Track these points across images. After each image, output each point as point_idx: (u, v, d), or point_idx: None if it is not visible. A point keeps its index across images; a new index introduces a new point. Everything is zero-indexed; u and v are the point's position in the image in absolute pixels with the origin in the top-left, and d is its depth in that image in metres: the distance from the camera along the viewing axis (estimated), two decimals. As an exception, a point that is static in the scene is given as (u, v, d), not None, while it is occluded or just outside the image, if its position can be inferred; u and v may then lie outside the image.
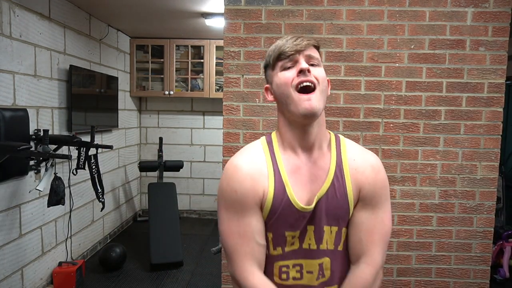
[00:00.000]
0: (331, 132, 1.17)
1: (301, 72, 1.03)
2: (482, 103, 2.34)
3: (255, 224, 1.07)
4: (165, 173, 4.90)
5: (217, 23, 3.90)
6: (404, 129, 2.36)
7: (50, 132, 3.09)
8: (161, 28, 4.42)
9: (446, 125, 2.35)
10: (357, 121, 2.36)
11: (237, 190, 1.07)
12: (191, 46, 4.92)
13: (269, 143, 1.13)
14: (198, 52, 5.00)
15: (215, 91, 4.93)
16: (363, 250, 1.10)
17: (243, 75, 2.35)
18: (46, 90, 3.13)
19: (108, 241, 4.40)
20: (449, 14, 2.30)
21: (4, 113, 2.51)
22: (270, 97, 1.12)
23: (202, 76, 4.96)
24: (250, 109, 2.34)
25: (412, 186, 2.38)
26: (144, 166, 4.69)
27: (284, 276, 1.10)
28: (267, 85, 1.14)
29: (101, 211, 3.47)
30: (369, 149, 2.32)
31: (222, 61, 4.34)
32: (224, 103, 2.37)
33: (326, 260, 1.09)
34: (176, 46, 4.92)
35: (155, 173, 5.16)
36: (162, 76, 4.96)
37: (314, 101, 1.02)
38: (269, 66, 1.11)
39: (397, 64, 2.33)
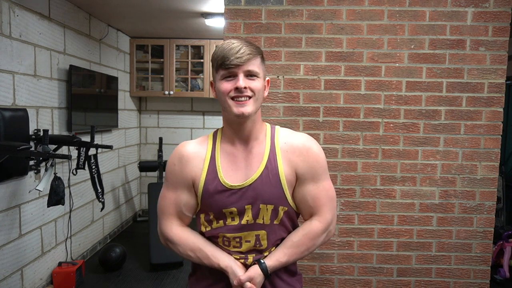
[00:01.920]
0: (267, 124, 1.33)
1: (237, 89, 1.18)
2: (482, 103, 2.33)
3: (184, 198, 1.27)
4: (165, 173, 4.90)
5: (217, 23, 3.90)
6: (404, 129, 2.36)
7: (50, 132, 3.09)
8: (161, 28, 4.42)
9: (446, 125, 2.35)
10: (357, 121, 2.36)
11: (175, 164, 1.28)
12: (191, 46, 4.92)
13: (214, 136, 1.31)
14: (198, 52, 5.00)
15: (215, 91, 4.93)
16: (314, 212, 1.27)
17: (243, 75, 2.34)
18: (46, 90, 3.13)
19: (108, 241, 4.40)
20: (449, 14, 2.30)
21: (4, 113, 2.51)
22: (214, 94, 1.27)
23: (202, 76, 4.96)
24: (250, 109, 2.34)
25: (412, 186, 2.38)
26: (144, 166, 4.69)
27: (226, 243, 1.26)
28: (212, 81, 1.28)
29: (101, 211, 3.47)
30: (369, 149, 2.34)
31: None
32: (224, 103, 2.36)
33: (262, 232, 1.24)
34: (176, 46, 4.92)
35: (155, 173, 5.16)
36: (162, 76, 4.96)
37: (247, 108, 1.19)
38: (213, 67, 1.24)
39: (397, 64, 2.33)
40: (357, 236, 2.40)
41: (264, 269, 1.22)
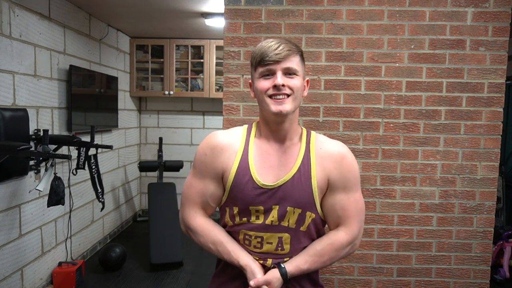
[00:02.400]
0: (303, 128, 1.31)
1: (276, 87, 1.16)
2: (482, 103, 2.34)
3: (211, 189, 1.25)
4: (165, 173, 4.90)
5: (217, 23, 3.90)
6: (404, 129, 2.36)
7: (50, 132, 3.09)
8: (161, 28, 4.42)
9: (446, 125, 2.35)
10: (357, 121, 2.36)
11: (207, 153, 1.25)
12: (191, 46, 4.92)
13: (249, 129, 1.28)
14: (198, 52, 5.00)
15: (215, 91, 4.93)
16: (341, 223, 1.25)
17: (243, 75, 2.35)
18: (46, 90, 3.13)
19: (108, 241, 4.40)
20: (449, 14, 2.30)
21: (4, 113, 2.51)
22: (252, 94, 1.26)
23: (202, 76, 4.96)
24: (250, 109, 2.34)
25: (412, 186, 2.38)
26: (144, 166, 4.69)
27: (247, 242, 1.24)
28: (251, 81, 1.27)
29: (101, 211, 3.47)
30: (369, 149, 2.35)
31: (222, 61, 4.35)
32: (224, 103, 2.37)
33: (286, 236, 1.21)
34: (176, 46, 4.92)
35: (155, 173, 5.16)
36: (162, 76, 4.96)
37: (285, 106, 1.16)
38: (252, 66, 1.22)
39: (397, 64, 2.33)
40: (357, 236, 2.40)
41: (283, 274, 1.18)
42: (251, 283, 1.17)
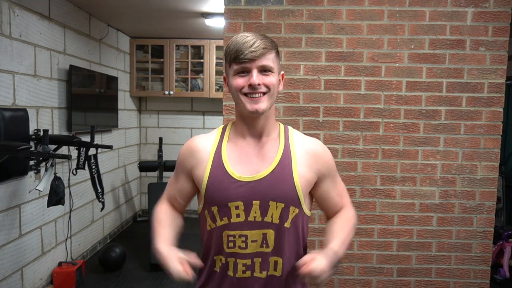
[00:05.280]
0: (280, 123, 1.31)
1: (251, 85, 1.15)
2: (482, 103, 2.34)
3: (181, 183, 1.30)
4: (165, 173, 4.90)
5: (217, 23, 3.90)
6: (404, 129, 2.36)
7: (50, 132, 3.09)
8: (161, 28, 4.42)
9: (446, 125, 2.35)
10: (357, 121, 2.36)
11: (184, 156, 1.29)
12: (191, 46, 4.92)
13: (224, 129, 1.30)
14: (198, 52, 5.00)
15: (215, 91, 4.93)
16: (341, 206, 1.35)
17: (243, 75, 2.35)
18: (46, 90, 3.13)
19: (108, 241, 4.40)
20: (449, 14, 2.30)
21: (4, 113, 2.51)
22: (226, 88, 1.26)
23: (202, 76, 4.96)
24: (250, 109, 2.34)
25: (412, 186, 2.38)
26: (144, 166, 4.69)
27: (231, 244, 1.20)
28: (225, 76, 1.25)
29: (101, 211, 3.47)
30: (369, 149, 2.35)
31: (222, 61, 4.35)
32: (224, 103, 2.37)
33: (270, 232, 1.19)
34: (176, 46, 4.92)
35: (155, 173, 5.16)
36: (162, 76, 4.96)
37: (261, 105, 1.16)
38: (227, 61, 1.20)
39: (397, 64, 2.33)
40: (357, 236, 2.40)
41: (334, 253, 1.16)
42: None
